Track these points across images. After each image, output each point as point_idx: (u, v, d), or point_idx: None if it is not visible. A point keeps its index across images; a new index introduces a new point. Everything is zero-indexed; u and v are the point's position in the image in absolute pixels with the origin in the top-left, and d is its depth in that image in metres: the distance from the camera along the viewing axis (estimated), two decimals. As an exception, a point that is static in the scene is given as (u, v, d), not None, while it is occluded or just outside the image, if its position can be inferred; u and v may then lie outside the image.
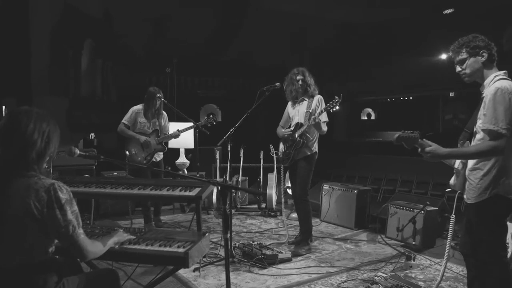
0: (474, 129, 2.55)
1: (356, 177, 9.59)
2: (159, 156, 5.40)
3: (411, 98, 17.99)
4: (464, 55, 2.53)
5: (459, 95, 16.55)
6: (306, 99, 4.57)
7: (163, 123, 5.39)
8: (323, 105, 4.42)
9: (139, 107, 5.32)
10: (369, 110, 20.82)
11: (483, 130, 2.40)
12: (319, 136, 4.57)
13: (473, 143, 2.56)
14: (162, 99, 5.24)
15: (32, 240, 1.84)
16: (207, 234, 2.39)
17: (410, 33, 14.38)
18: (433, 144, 2.49)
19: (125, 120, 5.29)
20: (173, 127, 5.54)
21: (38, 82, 8.02)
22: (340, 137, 16.09)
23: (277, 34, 14.19)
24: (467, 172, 2.57)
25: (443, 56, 15.53)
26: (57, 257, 2.06)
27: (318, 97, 4.54)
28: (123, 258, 2.34)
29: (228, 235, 2.24)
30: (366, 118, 20.85)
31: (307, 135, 4.49)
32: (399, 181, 8.60)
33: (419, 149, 2.52)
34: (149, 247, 2.21)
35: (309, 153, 4.51)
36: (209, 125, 5.25)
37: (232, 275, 3.78)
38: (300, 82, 4.53)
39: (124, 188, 3.07)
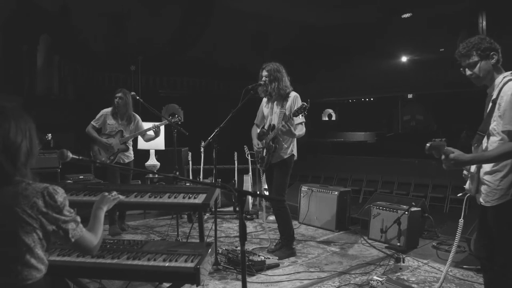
0: (488, 131, 2.46)
1: (322, 177, 9.57)
2: (127, 158, 5.26)
3: (371, 99, 18.41)
4: (475, 58, 2.45)
5: (417, 97, 17.13)
6: (280, 97, 4.24)
7: (131, 127, 5.24)
8: (299, 104, 4.07)
9: (108, 109, 5.24)
10: (330, 110, 21.08)
11: (503, 132, 2.33)
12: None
13: (485, 144, 2.47)
14: (135, 96, 5.10)
15: (23, 258, 1.57)
16: (212, 245, 2.17)
17: (370, 36, 14.72)
18: (456, 151, 2.38)
19: (94, 121, 5.22)
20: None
21: (-12, 79, 7.44)
22: (303, 138, 16.21)
23: (241, 35, 14.06)
24: (482, 174, 2.48)
25: (403, 59, 16.01)
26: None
27: (293, 95, 4.21)
28: (123, 276, 2.06)
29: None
30: (327, 118, 21.10)
31: (280, 139, 4.21)
32: (365, 181, 8.71)
33: (443, 157, 2.38)
34: (152, 262, 1.95)
35: (285, 157, 4.27)
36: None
37: (220, 284, 3.57)
38: (263, 78, 4.21)
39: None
